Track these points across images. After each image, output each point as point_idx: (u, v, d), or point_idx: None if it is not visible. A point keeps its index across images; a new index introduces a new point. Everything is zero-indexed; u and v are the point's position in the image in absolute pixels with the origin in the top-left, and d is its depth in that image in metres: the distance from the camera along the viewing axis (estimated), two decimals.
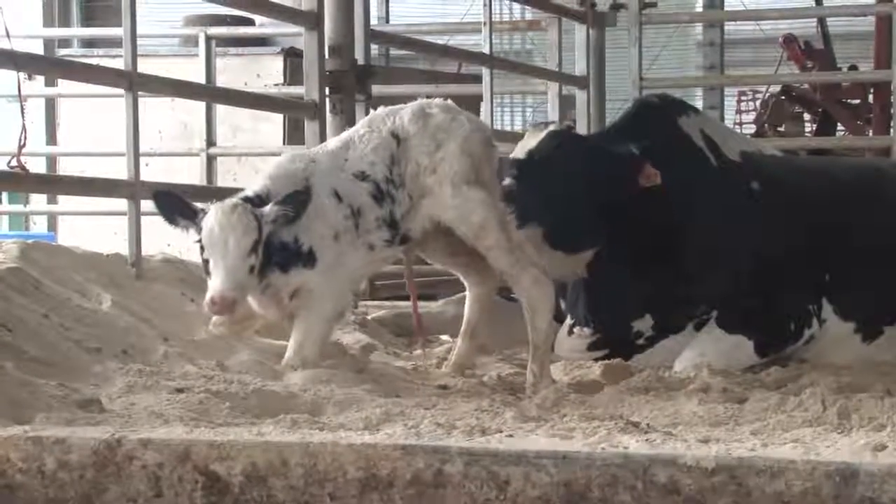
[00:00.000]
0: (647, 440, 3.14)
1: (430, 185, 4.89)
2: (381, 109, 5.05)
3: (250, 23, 13.02)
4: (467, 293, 5.27)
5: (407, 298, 6.46)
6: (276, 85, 12.09)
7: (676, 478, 2.91)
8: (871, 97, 15.14)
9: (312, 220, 4.73)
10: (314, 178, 4.80)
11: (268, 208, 4.61)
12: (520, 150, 5.50)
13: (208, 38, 10.46)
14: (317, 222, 4.74)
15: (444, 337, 6.02)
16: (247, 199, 4.69)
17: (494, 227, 4.90)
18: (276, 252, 4.66)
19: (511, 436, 3.30)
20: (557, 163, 5.36)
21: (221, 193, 4.95)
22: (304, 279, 4.72)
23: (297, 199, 4.63)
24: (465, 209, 4.87)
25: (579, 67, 9.65)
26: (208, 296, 4.57)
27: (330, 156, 4.94)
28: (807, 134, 16.33)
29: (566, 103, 9.93)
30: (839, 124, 16.10)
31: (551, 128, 5.53)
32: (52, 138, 13.54)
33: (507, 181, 5.30)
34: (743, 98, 18.55)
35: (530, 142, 5.49)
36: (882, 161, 9.67)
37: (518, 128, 20.44)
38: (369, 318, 6.13)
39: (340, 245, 4.78)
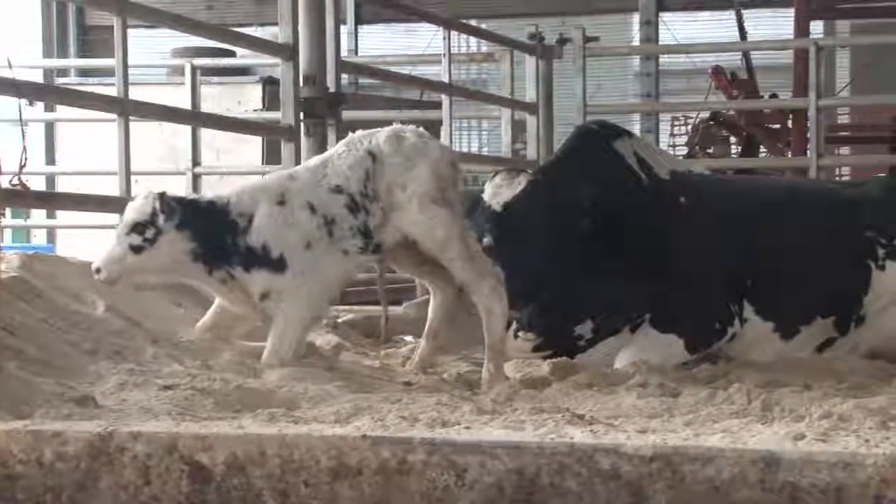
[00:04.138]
0: (591, 431, 3.14)
1: (400, 200, 4.87)
2: (359, 132, 5.04)
3: (232, 54, 12.98)
4: (431, 298, 5.26)
5: (373, 303, 6.44)
6: (255, 110, 12.07)
7: (618, 465, 2.91)
8: (790, 122, 15.25)
9: (283, 230, 4.72)
10: (289, 193, 4.80)
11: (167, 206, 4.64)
12: (494, 199, 5.47)
13: (194, 68, 10.42)
14: (288, 232, 4.72)
15: (408, 337, 6.00)
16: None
17: (456, 241, 4.88)
18: (238, 253, 4.68)
19: (468, 428, 3.29)
20: (534, 231, 5.37)
21: None
22: (272, 283, 4.70)
23: (166, 204, 4.65)
24: (431, 225, 4.86)
25: (530, 95, 9.67)
26: None
27: (310, 172, 4.94)
28: (733, 155, 16.44)
29: (518, 127, 9.96)
30: (762, 147, 16.22)
31: (524, 178, 5.50)
32: (50, 159, 13.47)
33: (487, 240, 5.28)
34: (676, 123, 18.67)
35: (505, 192, 5.47)
36: (798, 180, 9.76)
37: (475, 149, 20.50)
38: (340, 320, 6.10)
39: (314, 252, 4.75)
